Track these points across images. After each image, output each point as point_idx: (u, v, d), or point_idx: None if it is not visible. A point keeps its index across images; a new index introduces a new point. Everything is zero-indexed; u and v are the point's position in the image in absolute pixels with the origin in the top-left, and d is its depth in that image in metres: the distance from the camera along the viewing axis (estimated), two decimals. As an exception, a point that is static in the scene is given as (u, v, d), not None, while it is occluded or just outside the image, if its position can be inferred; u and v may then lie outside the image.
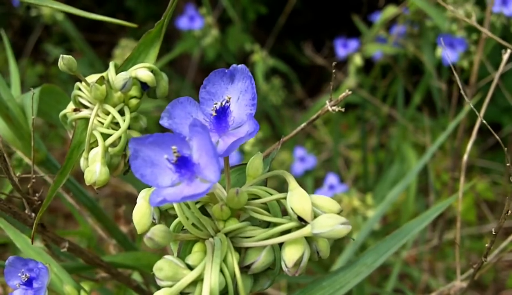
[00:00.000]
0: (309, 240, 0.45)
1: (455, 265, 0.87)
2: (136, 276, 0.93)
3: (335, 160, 1.99)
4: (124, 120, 0.59)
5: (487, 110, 0.86)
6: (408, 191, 1.64)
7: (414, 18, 1.62)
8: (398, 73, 1.82)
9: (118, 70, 0.62)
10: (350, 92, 0.63)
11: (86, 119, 0.61)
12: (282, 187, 1.68)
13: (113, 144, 0.59)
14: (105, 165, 0.57)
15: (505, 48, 0.85)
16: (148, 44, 0.65)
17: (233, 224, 0.44)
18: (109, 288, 1.02)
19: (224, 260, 0.42)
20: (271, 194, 0.46)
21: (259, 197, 0.47)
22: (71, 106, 0.63)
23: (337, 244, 1.49)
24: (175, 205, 0.44)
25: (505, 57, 0.84)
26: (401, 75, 1.80)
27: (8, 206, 0.62)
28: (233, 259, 0.42)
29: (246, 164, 0.50)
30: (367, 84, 1.88)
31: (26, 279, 0.59)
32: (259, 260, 0.44)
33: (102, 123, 0.59)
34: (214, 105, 0.45)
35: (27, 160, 0.78)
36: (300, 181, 1.71)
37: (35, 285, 0.59)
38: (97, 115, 0.59)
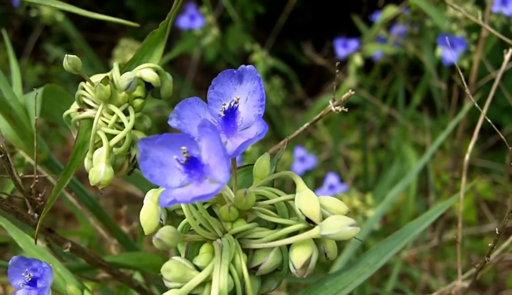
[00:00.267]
0: (317, 241, 0.45)
1: (455, 265, 0.88)
2: (138, 277, 0.93)
3: (335, 159, 1.99)
4: (128, 121, 0.59)
5: (487, 110, 0.86)
6: (408, 191, 1.64)
7: (414, 18, 1.62)
8: (398, 73, 1.82)
9: (122, 70, 0.62)
10: (353, 93, 0.63)
11: (91, 119, 0.61)
12: (282, 186, 1.68)
13: (118, 145, 0.58)
14: (109, 165, 0.56)
15: (507, 47, 0.85)
16: (152, 44, 0.65)
17: (240, 225, 0.44)
18: (110, 289, 1.02)
19: (232, 261, 0.42)
20: (279, 195, 0.46)
21: (266, 198, 0.46)
22: (75, 106, 0.63)
23: (337, 244, 1.49)
24: (182, 206, 0.44)
25: (507, 56, 0.84)
26: (401, 75, 1.80)
27: (10, 206, 0.61)
28: (241, 261, 0.42)
29: (252, 164, 0.50)
30: (367, 84, 1.88)
31: (30, 279, 0.59)
32: (267, 261, 0.44)
33: (107, 124, 0.59)
34: (223, 106, 0.45)
35: (29, 160, 0.78)
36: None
37: (39, 284, 0.59)
38: (102, 115, 0.59)
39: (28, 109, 0.73)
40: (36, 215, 0.64)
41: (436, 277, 1.73)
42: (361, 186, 2.05)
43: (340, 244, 1.43)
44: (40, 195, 0.65)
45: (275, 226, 0.47)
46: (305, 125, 0.69)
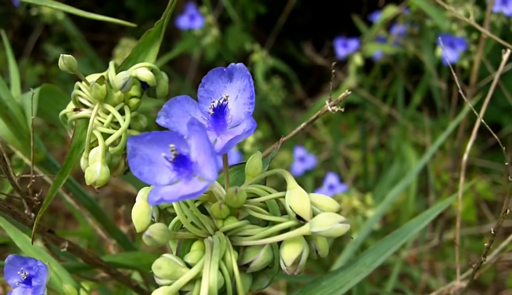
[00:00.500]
0: (308, 238, 0.45)
1: (455, 265, 0.87)
2: (136, 276, 0.93)
3: (335, 159, 1.99)
4: (124, 120, 0.59)
5: (487, 110, 0.86)
6: (408, 191, 1.64)
7: (414, 18, 1.62)
8: (398, 73, 1.82)
9: (118, 69, 0.62)
10: (349, 93, 0.63)
11: (86, 119, 0.61)
12: (282, 186, 1.68)
13: (114, 144, 0.59)
14: (105, 164, 0.57)
15: (505, 48, 0.85)
16: (148, 43, 0.65)
17: (232, 223, 0.45)
18: (109, 288, 1.02)
19: (223, 258, 0.42)
20: (270, 193, 0.46)
21: (258, 196, 0.47)
22: (71, 106, 0.63)
23: (337, 244, 1.49)
24: (174, 204, 0.44)
25: (505, 57, 0.84)
26: (401, 75, 1.80)
27: (7, 206, 0.62)
28: (232, 258, 0.42)
29: (245, 163, 0.50)
30: (367, 84, 1.88)
31: (25, 277, 0.59)
32: (258, 258, 0.44)
33: (102, 123, 0.60)
34: (212, 104, 0.45)
35: (26, 160, 0.78)
36: (300, 180, 1.71)
37: (34, 283, 0.59)
38: (97, 114, 0.60)
39: (25, 109, 0.73)
40: (33, 214, 0.65)
41: (436, 277, 1.73)
42: (361, 186, 2.05)
43: (340, 244, 1.43)
44: (37, 195, 0.65)
45: (266, 223, 0.47)
46: (302, 125, 0.69)
